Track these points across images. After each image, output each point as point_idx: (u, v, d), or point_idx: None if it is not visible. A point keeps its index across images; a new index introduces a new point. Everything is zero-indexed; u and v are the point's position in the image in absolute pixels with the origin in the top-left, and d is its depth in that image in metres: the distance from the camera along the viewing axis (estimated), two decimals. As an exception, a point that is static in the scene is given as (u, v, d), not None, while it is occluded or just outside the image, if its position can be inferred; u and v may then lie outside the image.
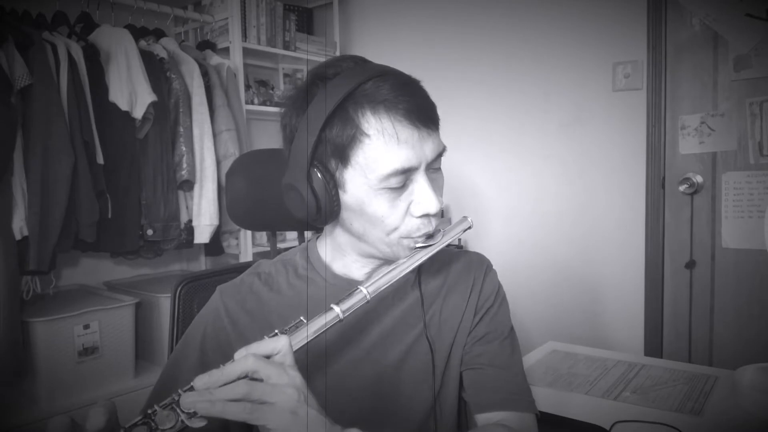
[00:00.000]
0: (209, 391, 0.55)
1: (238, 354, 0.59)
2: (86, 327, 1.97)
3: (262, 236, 2.68)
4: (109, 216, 2.00)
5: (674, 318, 2.21)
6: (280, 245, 2.69)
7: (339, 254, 0.83)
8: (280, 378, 0.57)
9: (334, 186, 0.73)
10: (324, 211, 0.74)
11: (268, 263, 0.87)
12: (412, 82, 0.74)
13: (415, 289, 0.85)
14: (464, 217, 0.82)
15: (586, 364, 1.39)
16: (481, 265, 0.90)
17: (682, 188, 2.15)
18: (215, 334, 0.80)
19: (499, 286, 0.90)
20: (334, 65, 0.74)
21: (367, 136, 0.70)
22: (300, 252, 0.87)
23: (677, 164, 2.17)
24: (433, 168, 0.76)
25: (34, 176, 1.80)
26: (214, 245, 2.43)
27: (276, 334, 0.61)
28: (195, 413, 0.55)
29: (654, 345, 2.21)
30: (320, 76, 0.73)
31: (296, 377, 0.58)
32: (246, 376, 0.57)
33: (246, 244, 2.51)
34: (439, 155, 0.76)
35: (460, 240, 2.46)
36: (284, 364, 0.58)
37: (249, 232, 2.51)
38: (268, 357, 0.59)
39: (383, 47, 2.85)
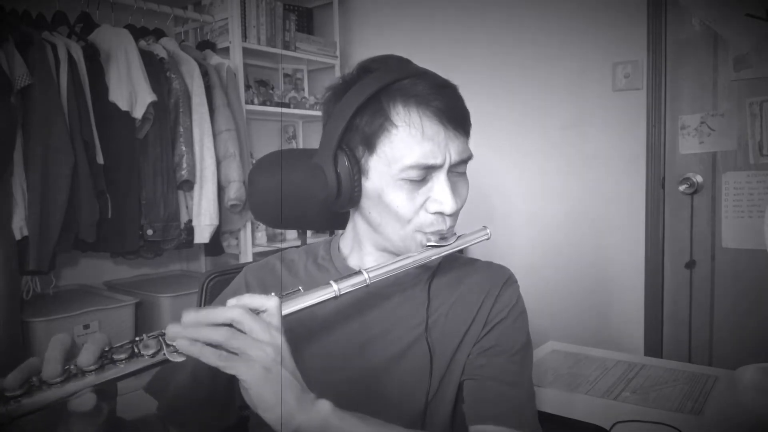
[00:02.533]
0: (194, 328, 0.57)
1: (230, 302, 0.61)
2: (86, 327, 1.97)
3: (263, 236, 2.69)
4: (109, 216, 2.00)
5: (674, 318, 2.21)
6: (280, 245, 2.69)
7: (357, 247, 0.86)
8: (261, 334, 0.58)
9: (358, 171, 0.76)
10: (345, 194, 0.76)
11: (294, 251, 0.92)
12: (448, 86, 0.78)
13: (423, 291, 0.84)
14: (483, 227, 0.82)
15: (586, 364, 1.39)
16: (501, 277, 0.87)
17: (682, 188, 2.15)
18: None
19: (518, 300, 0.86)
20: (380, 60, 0.79)
21: (395, 126, 0.73)
22: (324, 244, 0.92)
23: (677, 164, 2.17)
24: (457, 171, 0.78)
25: (34, 176, 1.80)
26: (214, 245, 2.43)
27: (272, 296, 0.63)
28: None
29: (654, 345, 2.20)
30: (365, 69, 0.78)
31: (277, 338, 0.59)
32: (231, 325, 0.58)
33: (246, 244, 2.51)
34: (465, 160, 0.78)
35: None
36: (270, 324, 0.60)
37: (249, 232, 2.51)
38: (256, 312, 0.60)
39: (383, 47, 2.82)
